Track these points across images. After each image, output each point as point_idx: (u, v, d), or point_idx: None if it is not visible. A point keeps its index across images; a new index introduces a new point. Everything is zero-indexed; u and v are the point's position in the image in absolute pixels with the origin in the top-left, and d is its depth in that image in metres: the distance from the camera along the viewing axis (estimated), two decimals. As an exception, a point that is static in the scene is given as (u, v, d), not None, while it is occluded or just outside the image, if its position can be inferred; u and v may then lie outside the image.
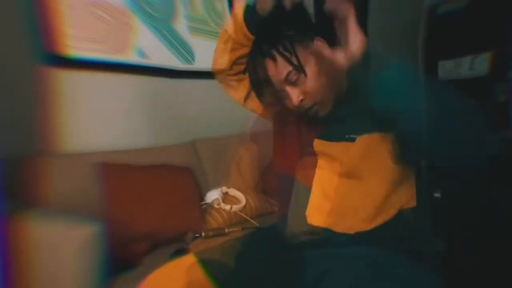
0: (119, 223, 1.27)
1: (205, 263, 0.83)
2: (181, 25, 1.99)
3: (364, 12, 2.75)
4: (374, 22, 2.76)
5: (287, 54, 0.79)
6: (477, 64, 2.71)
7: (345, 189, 0.83)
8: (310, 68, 0.81)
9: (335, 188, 0.83)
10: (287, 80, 0.81)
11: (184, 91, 2.01)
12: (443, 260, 0.81)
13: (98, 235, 1.00)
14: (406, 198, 0.82)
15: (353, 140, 0.82)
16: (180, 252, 1.26)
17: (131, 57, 1.77)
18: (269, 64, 0.82)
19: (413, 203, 0.82)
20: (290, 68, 0.80)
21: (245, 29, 0.86)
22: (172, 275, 0.82)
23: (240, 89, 1.00)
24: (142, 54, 1.81)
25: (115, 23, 1.71)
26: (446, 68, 2.94)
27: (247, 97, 1.02)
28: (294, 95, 0.82)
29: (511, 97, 1.95)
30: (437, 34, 2.99)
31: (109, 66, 1.69)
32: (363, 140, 0.82)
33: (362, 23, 0.69)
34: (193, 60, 2.04)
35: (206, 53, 2.03)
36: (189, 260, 0.85)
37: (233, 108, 2.18)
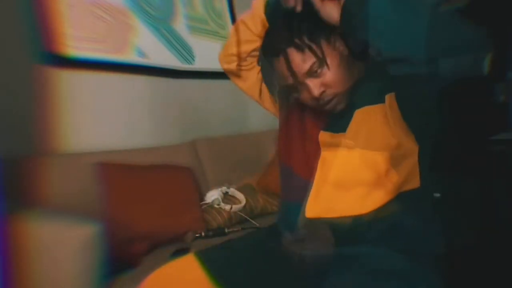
0: (119, 223, 1.27)
1: (205, 263, 0.83)
2: (180, 25, 1.99)
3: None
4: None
5: (312, 45, 0.79)
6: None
7: (341, 170, 0.81)
8: (331, 61, 0.80)
9: (333, 174, 0.82)
10: (309, 72, 0.81)
11: (184, 91, 2.01)
12: (443, 260, 0.80)
13: (98, 235, 1.00)
14: (407, 175, 0.79)
15: None
16: (180, 252, 1.26)
17: (131, 57, 1.77)
18: (293, 55, 0.80)
19: (415, 184, 0.80)
20: (314, 59, 0.80)
21: (266, 23, 0.89)
22: (172, 275, 0.82)
23: (249, 79, 1.02)
24: (141, 53, 1.81)
25: (114, 23, 1.71)
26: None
27: (260, 91, 1.04)
28: (316, 87, 0.81)
29: (511, 97, 1.94)
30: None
31: (108, 66, 1.69)
32: (360, 111, 0.81)
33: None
34: (193, 59, 2.04)
35: (206, 53, 2.03)
36: (189, 260, 0.85)
37: (233, 108, 2.20)
